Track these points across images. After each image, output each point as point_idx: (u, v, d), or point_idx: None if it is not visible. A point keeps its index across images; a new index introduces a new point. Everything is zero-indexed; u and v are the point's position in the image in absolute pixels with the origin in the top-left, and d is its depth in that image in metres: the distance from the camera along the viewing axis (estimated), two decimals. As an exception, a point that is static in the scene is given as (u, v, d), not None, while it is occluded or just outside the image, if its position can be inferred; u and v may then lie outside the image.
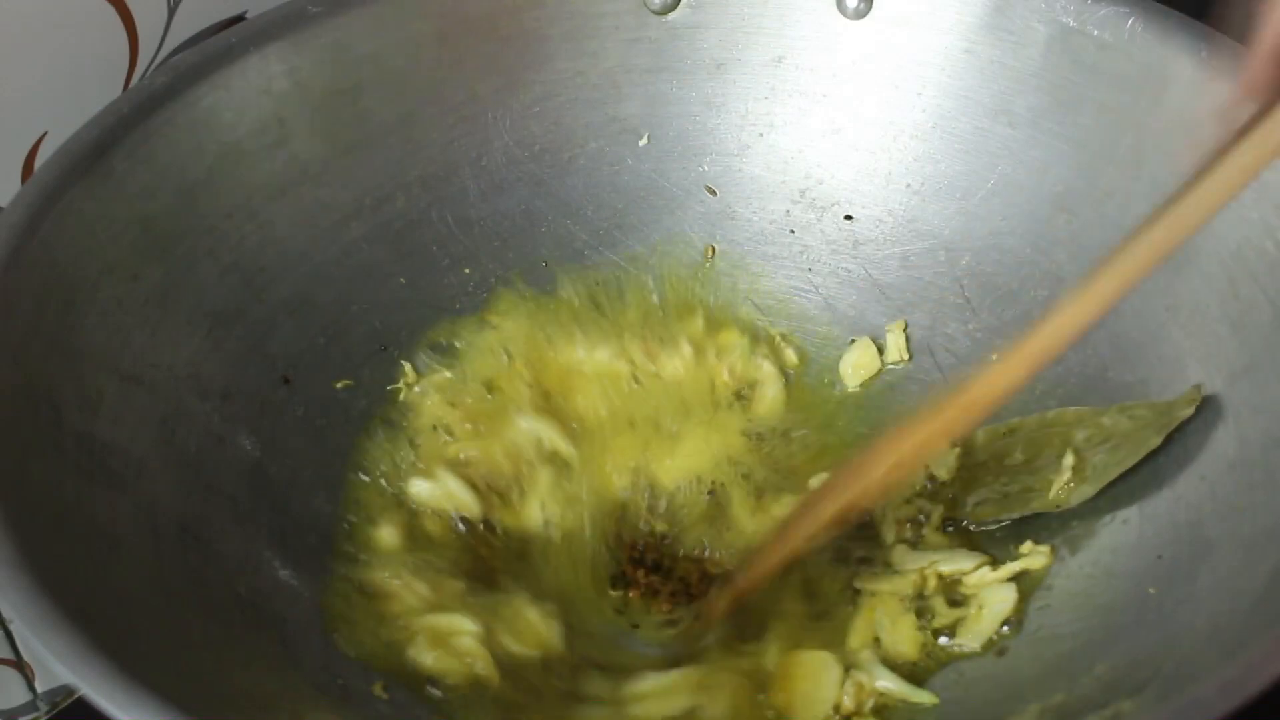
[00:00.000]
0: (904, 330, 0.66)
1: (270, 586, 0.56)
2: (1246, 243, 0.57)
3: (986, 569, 0.58)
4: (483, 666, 0.55)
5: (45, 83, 0.60)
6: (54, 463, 0.51)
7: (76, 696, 0.69)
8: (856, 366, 0.67)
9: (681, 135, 0.70)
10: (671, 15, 0.68)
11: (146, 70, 0.64)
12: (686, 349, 0.66)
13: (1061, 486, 0.58)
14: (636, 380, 0.66)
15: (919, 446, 0.55)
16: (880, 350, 0.67)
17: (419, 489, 0.61)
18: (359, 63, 0.64)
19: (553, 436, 0.63)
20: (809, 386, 0.67)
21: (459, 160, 0.68)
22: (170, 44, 0.64)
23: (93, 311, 0.55)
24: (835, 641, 0.57)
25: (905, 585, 0.58)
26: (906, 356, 0.66)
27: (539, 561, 0.61)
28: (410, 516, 0.61)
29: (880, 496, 0.59)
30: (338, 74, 0.64)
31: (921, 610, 0.58)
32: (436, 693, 0.55)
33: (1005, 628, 0.56)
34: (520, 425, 0.63)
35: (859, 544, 0.60)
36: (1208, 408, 0.56)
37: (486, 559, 0.60)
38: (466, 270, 0.68)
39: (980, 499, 0.61)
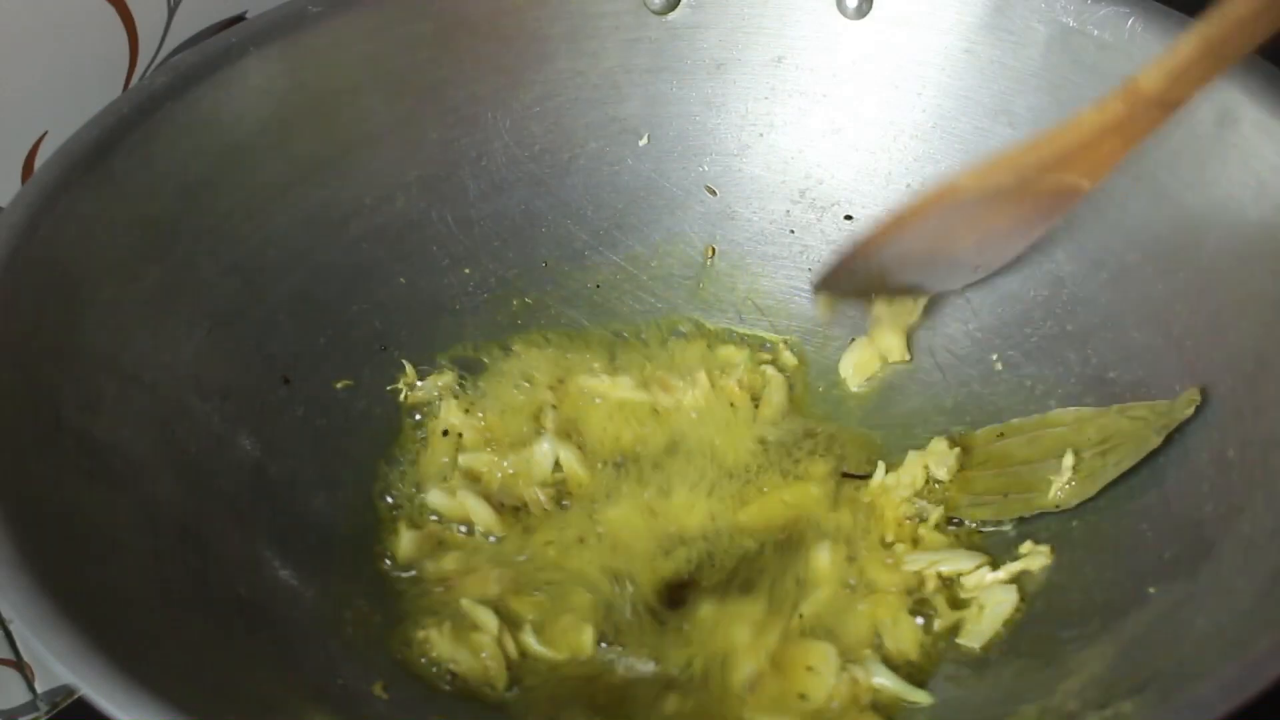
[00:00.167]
0: (904, 331, 0.67)
1: (270, 586, 0.56)
2: (1246, 243, 0.57)
3: (986, 569, 0.58)
4: (495, 667, 0.55)
5: (45, 83, 0.60)
6: (54, 463, 0.51)
7: (76, 696, 0.69)
8: (857, 367, 0.67)
9: (681, 135, 0.70)
10: (671, 15, 0.68)
11: (146, 70, 0.64)
12: (702, 378, 0.66)
13: (1061, 487, 0.58)
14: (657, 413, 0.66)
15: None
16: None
17: (435, 499, 0.62)
18: (359, 63, 0.64)
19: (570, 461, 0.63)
20: (811, 388, 0.67)
21: (459, 160, 0.68)
22: (170, 44, 0.64)
23: (93, 311, 0.55)
24: (836, 634, 0.57)
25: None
26: (907, 357, 0.66)
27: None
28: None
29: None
30: (338, 74, 0.64)
31: (922, 610, 0.58)
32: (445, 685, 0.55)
33: (1005, 628, 0.56)
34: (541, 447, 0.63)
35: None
36: (1208, 408, 0.56)
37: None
38: (466, 270, 0.68)
39: (980, 499, 0.61)
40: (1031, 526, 0.59)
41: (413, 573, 0.60)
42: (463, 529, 0.61)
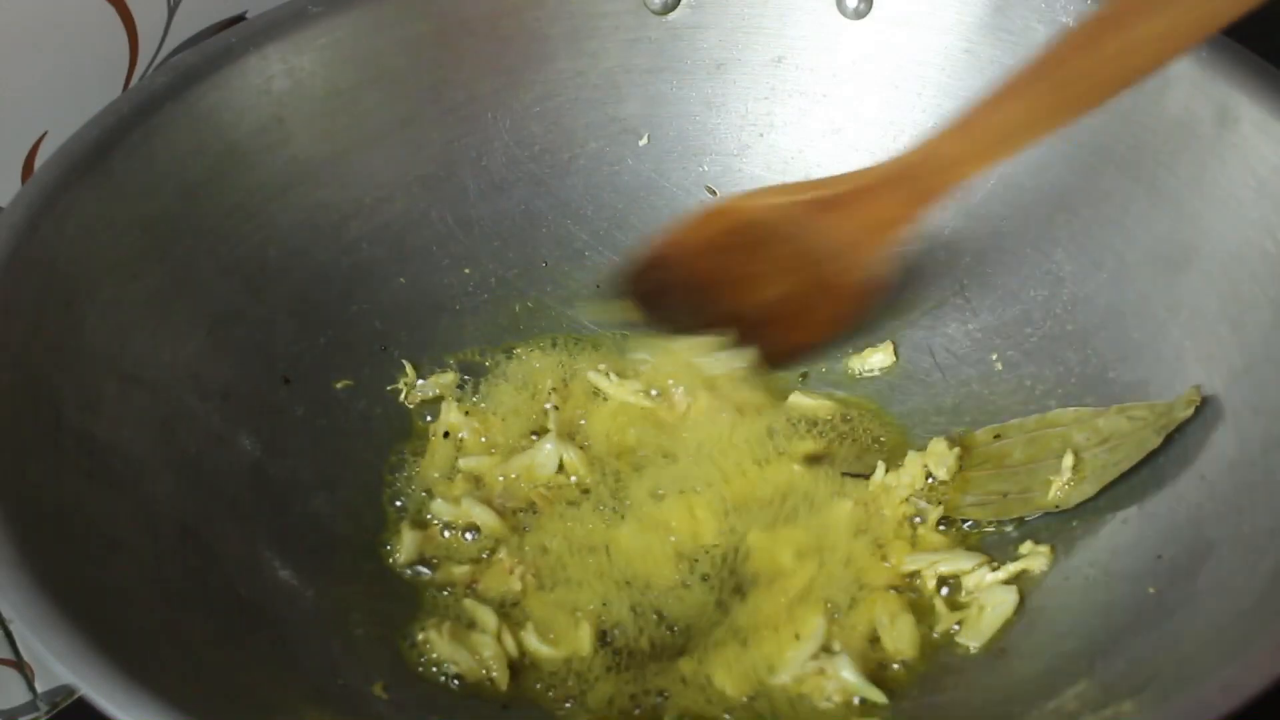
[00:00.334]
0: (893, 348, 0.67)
1: (270, 586, 0.56)
2: (1246, 243, 0.57)
3: (986, 569, 0.58)
4: (496, 667, 0.56)
5: (45, 83, 0.60)
6: (54, 463, 0.51)
7: (76, 696, 0.69)
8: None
9: (681, 135, 0.70)
10: (671, 15, 0.68)
11: (146, 70, 0.64)
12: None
13: (1060, 487, 0.58)
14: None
15: None
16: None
17: (439, 508, 0.61)
18: (359, 63, 0.65)
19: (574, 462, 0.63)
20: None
21: (459, 160, 0.68)
22: (170, 44, 0.64)
23: (93, 311, 0.55)
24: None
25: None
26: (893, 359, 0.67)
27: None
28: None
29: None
30: (338, 74, 0.64)
31: (921, 610, 0.57)
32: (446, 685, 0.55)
33: (1005, 628, 0.56)
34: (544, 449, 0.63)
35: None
36: (1207, 408, 0.56)
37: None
38: (466, 270, 0.68)
39: (979, 499, 0.61)
40: (1031, 526, 0.59)
41: (418, 571, 0.60)
42: (468, 535, 0.61)
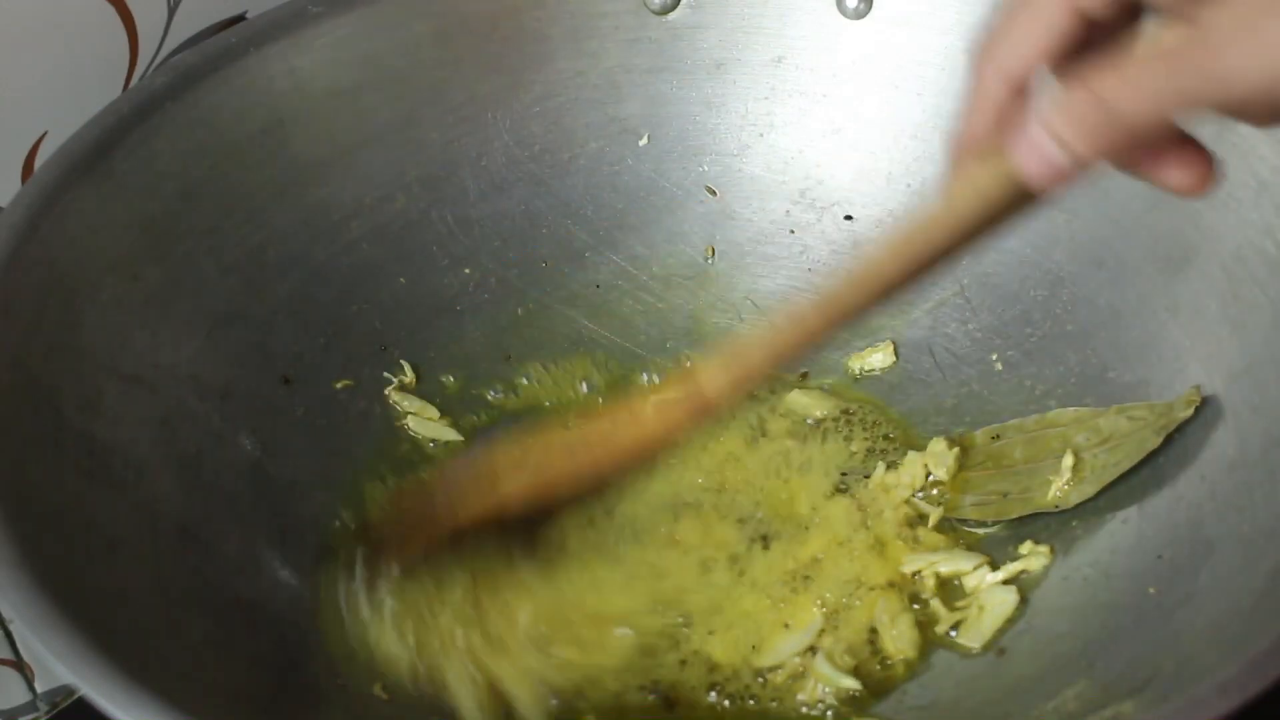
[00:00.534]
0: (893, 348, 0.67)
1: (270, 586, 0.56)
2: (1247, 243, 0.57)
3: (986, 569, 0.58)
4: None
5: (45, 83, 0.60)
6: (54, 463, 0.51)
7: (76, 696, 0.69)
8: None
9: (681, 135, 0.70)
10: (671, 15, 0.68)
11: (146, 70, 0.64)
12: None
13: (1060, 487, 0.58)
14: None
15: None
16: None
17: None
18: (359, 63, 0.65)
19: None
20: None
21: (459, 160, 0.68)
22: (170, 44, 0.64)
23: (93, 311, 0.55)
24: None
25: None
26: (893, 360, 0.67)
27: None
28: None
29: None
30: (338, 74, 0.64)
31: (921, 610, 0.57)
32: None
33: (1005, 628, 0.56)
34: None
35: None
36: (1208, 408, 0.56)
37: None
38: (467, 270, 0.68)
39: (979, 499, 0.61)
40: (1031, 526, 0.59)
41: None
42: None
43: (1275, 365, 0.54)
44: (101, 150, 0.57)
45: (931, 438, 0.62)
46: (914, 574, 0.58)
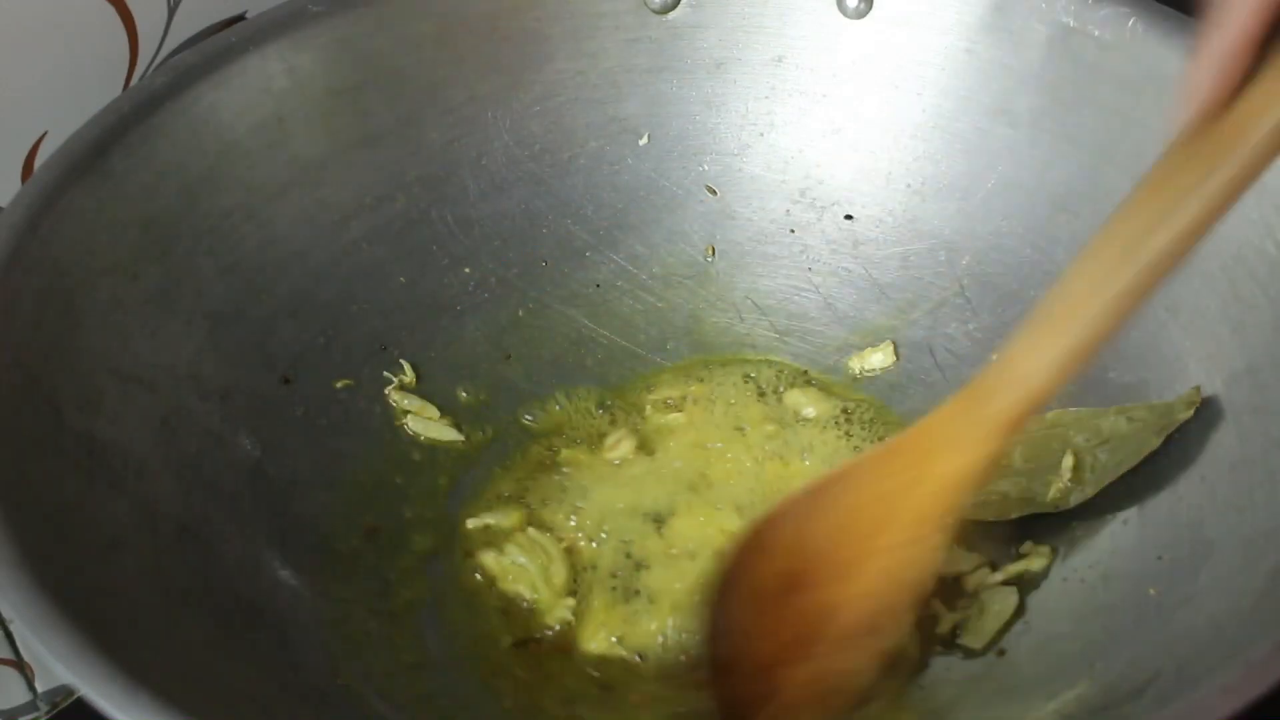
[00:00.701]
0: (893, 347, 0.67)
1: (270, 586, 0.56)
2: (1247, 244, 0.57)
3: (986, 570, 0.58)
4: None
5: (45, 83, 0.60)
6: (54, 463, 0.51)
7: (76, 696, 0.69)
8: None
9: (682, 135, 0.70)
10: (672, 15, 0.68)
11: (146, 70, 0.64)
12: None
13: (1060, 488, 0.58)
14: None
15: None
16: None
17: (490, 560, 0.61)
18: (359, 62, 0.64)
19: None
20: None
21: (459, 160, 0.68)
22: (170, 44, 0.64)
23: (93, 311, 0.55)
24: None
25: None
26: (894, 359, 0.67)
27: None
28: None
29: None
30: (338, 73, 0.64)
31: (921, 610, 0.57)
32: None
33: (1006, 629, 0.56)
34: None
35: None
36: (1208, 408, 0.56)
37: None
38: (467, 270, 0.68)
39: (980, 499, 0.61)
40: (1031, 527, 0.59)
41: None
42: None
43: (1275, 366, 0.54)
44: (101, 150, 0.57)
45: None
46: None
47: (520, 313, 0.68)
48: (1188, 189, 0.43)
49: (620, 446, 0.64)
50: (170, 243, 0.59)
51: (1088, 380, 0.61)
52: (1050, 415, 0.61)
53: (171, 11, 0.64)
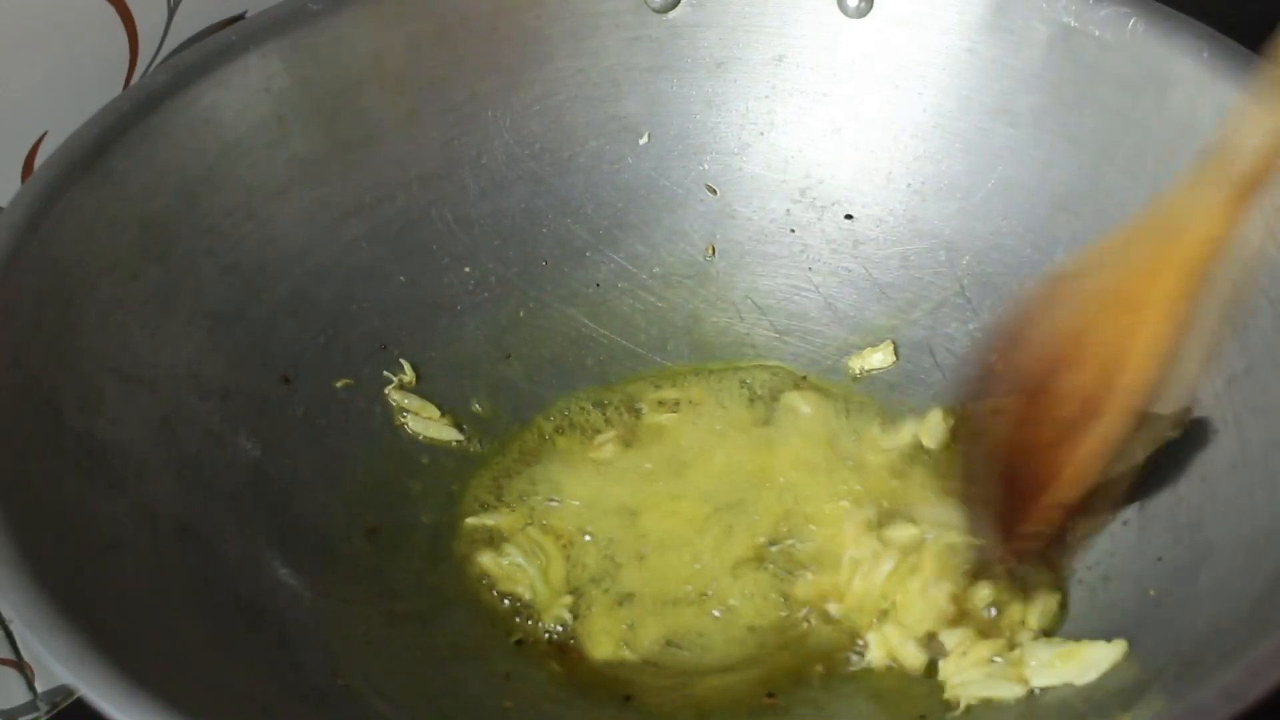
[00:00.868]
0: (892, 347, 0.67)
1: (270, 587, 0.56)
2: (1247, 244, 0.56)
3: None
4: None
5: (45, 83, 0.60)
6: (54, 463, 0.51)
7: (76, 696, 0.69)
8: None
9: (682, 134, 0.70)
10: (672, 13, 0.68)
11: (146, 70, 0.64)
12: None
13: None
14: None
15: None
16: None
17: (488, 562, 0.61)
18: (359, 61, 0.64)
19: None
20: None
21: (459, 159, 0.68)
22: (170, 44, 0.64)
23: (93, 311, 0.55)
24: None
25: None
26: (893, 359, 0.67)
27: None
28: None
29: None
30: (338, 72, 0.64)
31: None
32: None
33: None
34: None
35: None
36: (1208, 409, 0.56)
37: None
38: (467, 269, 0.68)
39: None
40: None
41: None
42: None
43: (1276, 367, 0.54)
44: (101, 149, 0.57)
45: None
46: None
47: (520, 312, 0.68)
48: None
49: (607, 447, 0.64)
50: (170, 243, 0.59)
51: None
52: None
53: (171, 11, 0.64)
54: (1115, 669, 0.50)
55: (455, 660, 0.57)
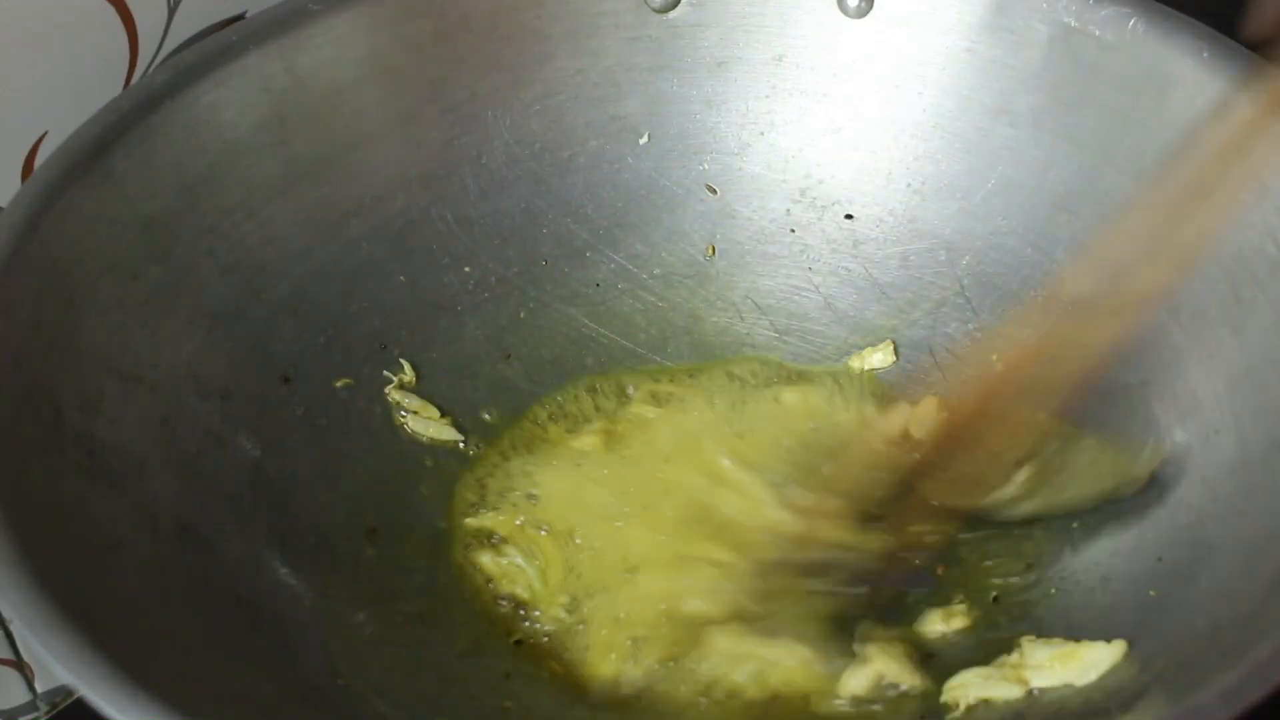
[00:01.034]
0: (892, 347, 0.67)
1: (270, 587, 0.56)
2: (1247, 244, 0.57)
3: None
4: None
5: (45, 83, 0.60)
6: (54, 463, 0.51)
7: (76, 696, 0.69)
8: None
9: (682, 134, 0.70)
10: (672, 13, 0.68)
11: (146, 70, 0.64)
12: None
13: (1003, 495, 0.58)
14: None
15: None
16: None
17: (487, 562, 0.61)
18: (359, 61, 0.64)
19: None
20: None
21: (459, 159, 0.68)
22: (170, 44, 0.64)
23: (93, 311, 0.55)
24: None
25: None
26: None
27: None
28: None
29: None
30: (338, 72, 0.64)
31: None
32: None
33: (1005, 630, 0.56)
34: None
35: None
36: (1209, 409, 0.56)
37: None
38: (467, 269, 0.68)
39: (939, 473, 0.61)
40: (1030, 529, 0.59)
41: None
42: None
43: (1276, 367, 0.54)
44: (101, 149, 0.57)
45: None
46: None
47: (520, 313, 0.68)
48: None
49: (588, 439, 0.65)
50: (170, 243, 0.59)
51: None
52: (1041, 416, 0.61)
53: (171, 11, 0.64)
54: (1115, 670, 0.50)
55: (455, 660, 0.57)
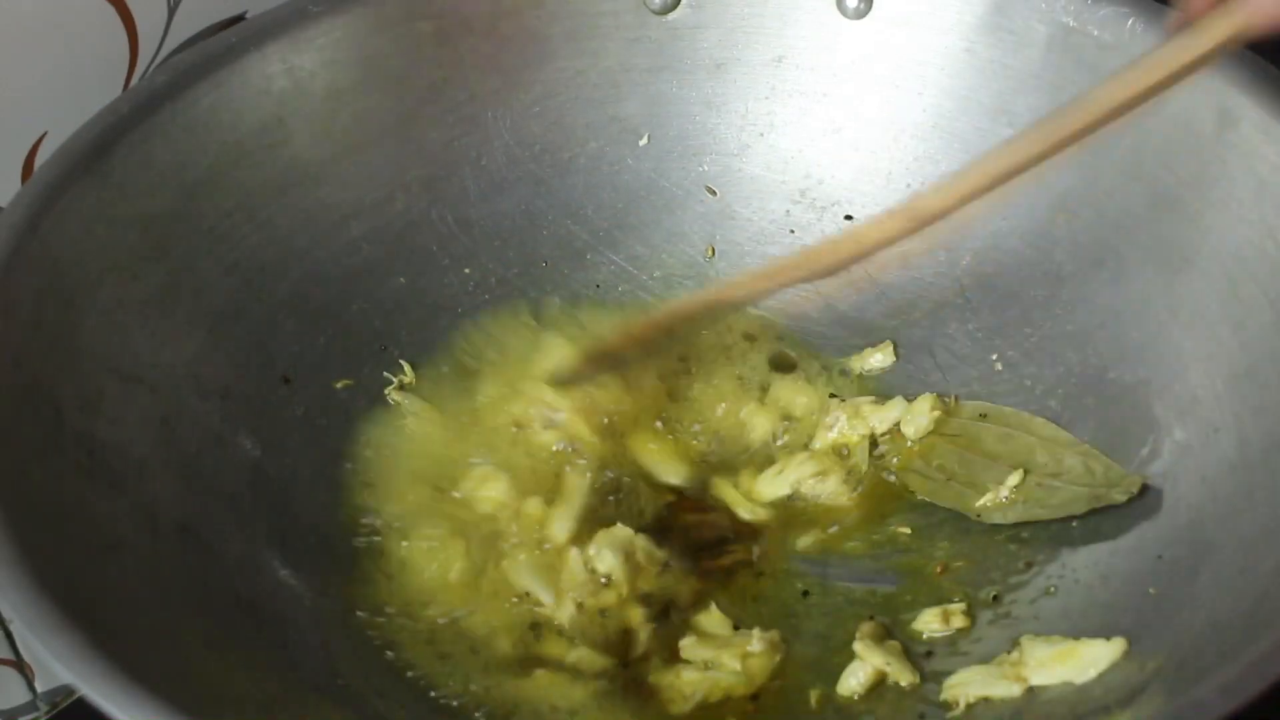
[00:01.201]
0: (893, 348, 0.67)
1: (270, 587, 0.56)
2: (1247, 244, 0.57)
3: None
4: None
5: (45, 83, 0.60)
6: (54, 463, 0.51)
7: (76, 696, 0.69)
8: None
9: (682, 135, 0.70)
10: (672, 15, 0.68)
11: (146, 70, 0.64)
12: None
13: (990, 500, 0.59)
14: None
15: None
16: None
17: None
18: (359, 62, 0.65)
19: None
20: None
21: (459, 160, 0.68)
22: (170, 44, 0.64)
23: (93, 311, 0.55)
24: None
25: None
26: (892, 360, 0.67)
27: None
28: None
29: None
30: (338, 74, 0.64)
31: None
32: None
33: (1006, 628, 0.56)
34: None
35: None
36: (1209, 408, 0.56)
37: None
38: (466, 270, 0.68)
39: (926, 471, 0.61)
40: (1030, 527, 0.59)
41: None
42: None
43: (1276, 366, 0.54)
44: (101, 150, 0.57)
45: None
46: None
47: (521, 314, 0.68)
48: None
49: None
50: (170, 243, 0.59)
51: (1088, 379, 0.61)
52: (1035, 421, 0.61)
53: (171, 11, 0.64)
54: (1114, 667, 0.50)
55: (455, 659, 0.57)
